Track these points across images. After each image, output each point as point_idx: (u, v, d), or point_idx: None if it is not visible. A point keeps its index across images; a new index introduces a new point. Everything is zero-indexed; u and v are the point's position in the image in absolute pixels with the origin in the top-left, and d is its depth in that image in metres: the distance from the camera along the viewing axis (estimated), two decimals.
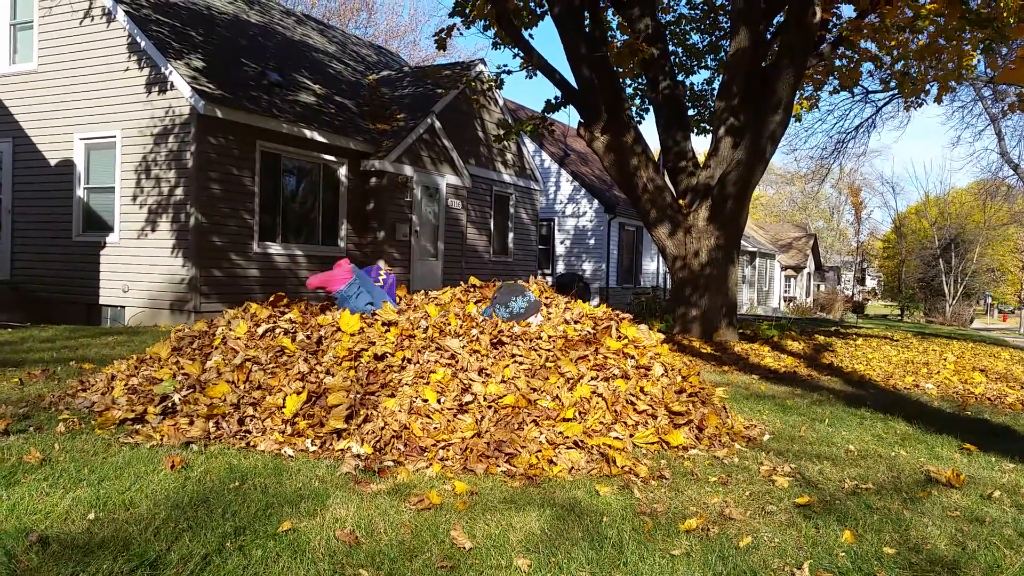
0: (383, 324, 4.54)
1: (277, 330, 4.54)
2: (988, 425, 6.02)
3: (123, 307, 13.33)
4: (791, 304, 40.83)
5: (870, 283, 65.47)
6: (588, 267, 24.50)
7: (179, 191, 12.64)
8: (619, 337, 4.89)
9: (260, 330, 4.53)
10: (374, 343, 4.36)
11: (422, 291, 6.10)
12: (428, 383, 4.18)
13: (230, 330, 4.62)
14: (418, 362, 4.31)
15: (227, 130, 12.71)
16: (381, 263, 6.27)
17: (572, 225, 24.98)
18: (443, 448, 3.82)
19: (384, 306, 4.79)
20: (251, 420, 3.97)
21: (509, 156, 20.16)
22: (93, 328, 10.37)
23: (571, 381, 4.40)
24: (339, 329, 4.51)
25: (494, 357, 4.44)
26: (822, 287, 46.81)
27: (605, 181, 25.67)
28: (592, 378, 4.46)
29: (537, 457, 3.81)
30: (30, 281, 14.22)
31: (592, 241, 24.53)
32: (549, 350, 4.59)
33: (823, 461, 4.31)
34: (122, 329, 10.54)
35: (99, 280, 13.52)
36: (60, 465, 3.38)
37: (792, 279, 43.68)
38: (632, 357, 4.74)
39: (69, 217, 13.83)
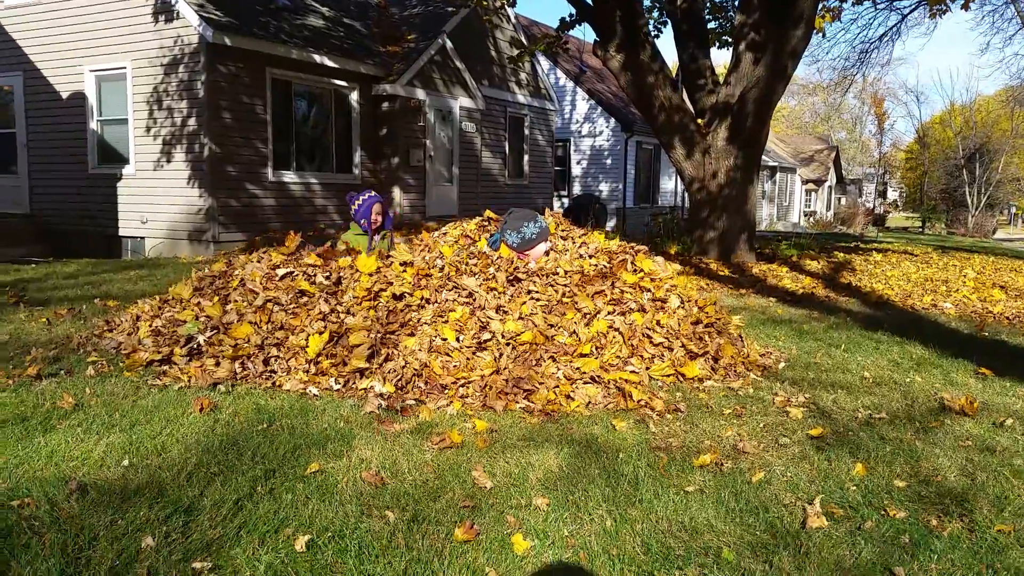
0: (400, 264, 4.58)
1: (296, 272, 4.60)
2: (1006, 347, 6.04)
3: (143, 238, 13.45)
4: (811, 219, 40.46)
5: (892, 195, 64.61)
6: (605, 188, 24.31)
7: (192, 121, 12.58)
8: (635, 270, 4.90)
9: (279, 272, 4.59)
10: (392, 283, 4.41)
11: (434, 226, 6.13)
12: (447, 322, 4.24)
13: (247, 272, 4.68)
14: (436, 301, 4.36)
15: (237, 58, 12.56)
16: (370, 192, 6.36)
17: (588, 145, 24.68)
18: (463, 386, 3.90)
19: (397, 247, 4.81)
20: (276, 360, 4.06)
21: (523, 76, 19.81)
22: (114, 261, 10.50)
23: (588, 316, 4.44)
24: (357, 270, 4.56)
25: (511, 294, 4.48)
26: (843, 201, 46.26)
27: (622, 99, 25.19)
28: (608, 313, 4.50)
29: (555, 393, 3.89)
30: (50, 214, 14.34)
31: (609, 161, 24.28)
32: (566, 285, 4.62)
33: (837, 390, 4.36)
34: (143, 262, 10.66)
35: (118, 212, 13.62)
36: (92, 410, 3.49)
37: (813, 193, 43.17)
38: (648, 290, 4.77)
39: (84, 150, 13.84)
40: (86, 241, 13.69)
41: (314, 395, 3.83)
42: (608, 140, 24.26)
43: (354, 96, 14.92)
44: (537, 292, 4.52)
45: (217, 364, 4.03)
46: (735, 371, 4.59)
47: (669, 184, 26.75)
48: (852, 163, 59.50)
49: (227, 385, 3.90)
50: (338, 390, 3.91)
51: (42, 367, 4.05)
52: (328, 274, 4.53)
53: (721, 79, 12.82)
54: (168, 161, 12.81)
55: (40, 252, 13.16)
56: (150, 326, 4.64)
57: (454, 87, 16.70)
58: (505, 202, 19.21)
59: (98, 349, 4.61)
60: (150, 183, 13.02)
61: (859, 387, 4.48)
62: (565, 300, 4.54)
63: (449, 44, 16.06)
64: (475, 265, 4.62)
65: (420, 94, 15.72)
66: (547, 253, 5.08)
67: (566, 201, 24.05)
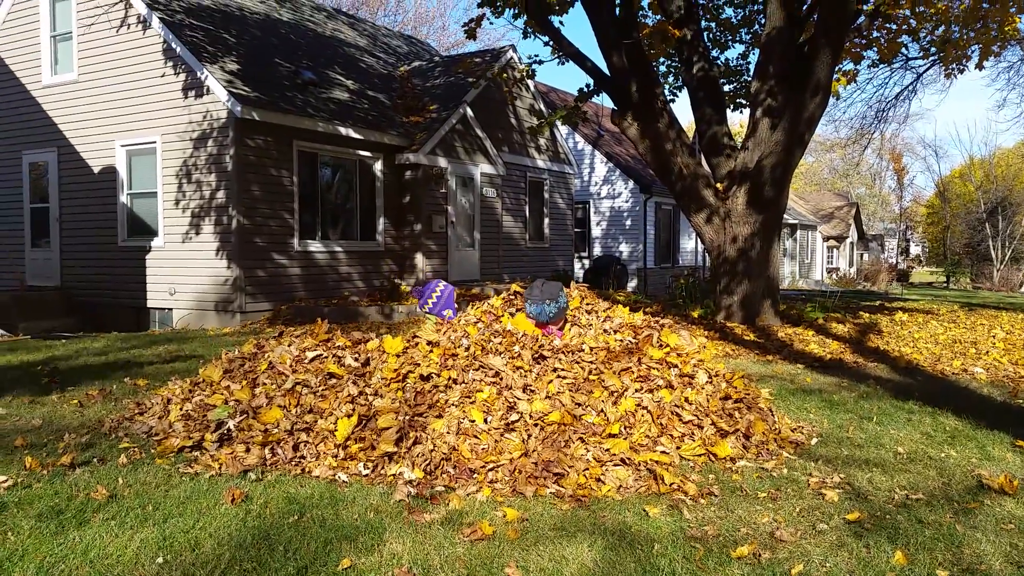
0: (427, 343, 4.61)
1: (325, 354, 4.64)
2: None
3: (170, 309, 13.62)
4: (834, 276, 40.28)
5: (914, 250, 64.26)
6: (625, 248, 24.40)
7: (220, 194, 12.84)
8: (661, 346, 4.90)
9: (309, 356, 4.63)
10: (419, 364, 4.43)
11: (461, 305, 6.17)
12: (473, 402, 4.25)
13: (276, 355, 4.73)
14: (463, 381, 4.37)
15: (264, 131, 12.88)
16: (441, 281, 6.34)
17: (608, 207, 24.87)
18: (492, 470, 3.88)
19: (423, 326, 4.85)
20: (305, 446, 4.07)
21: (542, 141, 20.10)
22: (143, 335, 10.62)
23: (615, 394, 4.43)
24: (384, 351, 4.59)
25: (537, 372, 4.49)
26: (865, 256, 46.07)
27: (640, 161, 25.47)
28: (636, 390, 4.48)
29: (585, 476, 3.86)
30: (79, 286, 14.59)
31: (628, 222, 24.42)
32: (591, 362, 4.63)
33: (872, 468, 4.30)
34: (171, 335, 10.78)
35: (146, 284, 13.84)
36: (126, 501, 3.51)
37: (835, 250, 43.05)
38: (675, 366, 4.76)
39: (114, 223, 14.15)
40: (115, 313, 13.89)
41: (343, 482, 3.83)
42: (627, 201, 24.45)
43: (378, 165, 15.20)
44: (563, 369, 4.52)
45: (247, 450, 4.04)
46: (767, 449, 4.54)
47: (689, 243, 26.81)
48: (873, 218, 59.43)
49: (257, 472, 3.91)
50: (367, 475, 3.91)
51: (75, 455, 4.08)
52: (356, 355, 4.56)
53: (739, 140, 12.95)
54: (197, 233, 13.05)
55: (70, 324, 13.36)
56: (180, 410, 4.67)
57: (475, 154, 16.97)
58: (526, 265, 19.32)
59: (129, 434, 4.65)
60: (178, 255, 13.25)
61: (894, 464, 4.41)
62: (592, 377, 4.54)
63: (470, 113, 16.38)
64: (500, 344, 4.64)
65: (442, 162, 15.98)
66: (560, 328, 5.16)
67: (587, 263, 24.15)
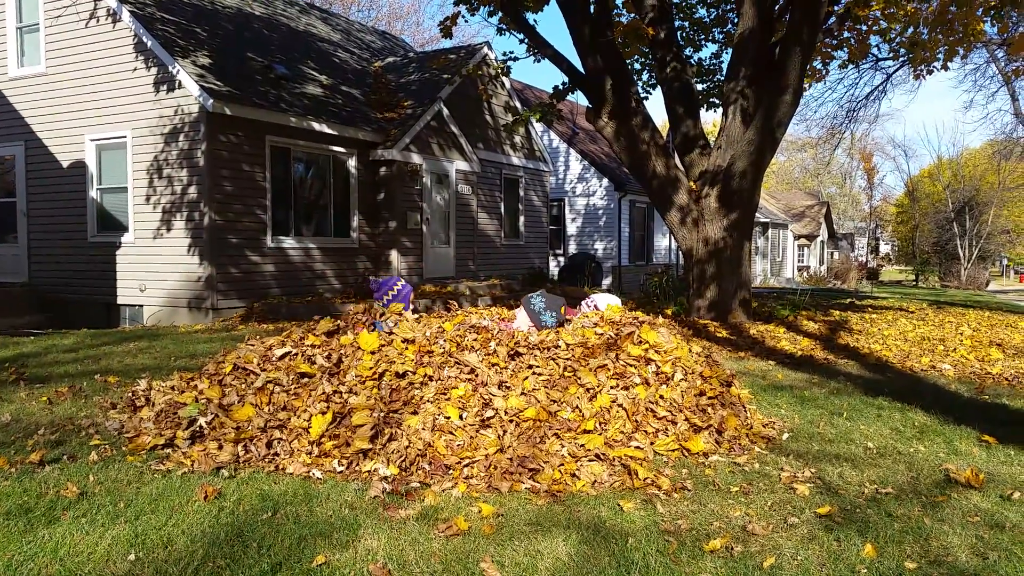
0: (402, 341, 4.60)
1: (295, 352, 4.61)
2: (1007, 412, 6.04)
3: (141, 306, 13.47)
4: (805, 274, 40.69)
5: (884, 248, 65.12)
6: (600, 246, 24.49)
7: (192, 190, 12.71)
8: (640, 342, 4.93)
9: (277, 353, 4.60)
10: (394, 361, 4.42)
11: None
12: (449, 399, 4.25)
13: (242, 354, 4.70)
14: (439, 378, 4.37)
15: (236, 127, 12.76)
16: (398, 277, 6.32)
17: (583, 204, 24.95)
18: (467, 466, 3.89)
19: (401, 324, 4.84)
20: (279, 443, 4.05)
21: (518, 139, 20.11)
22: (113, 332, 10.49)
23: (591, 391, 4.45)
24: (359, 348, 4.57)
25: (512, 369, 4.50)
26: (835, 255, 46.58)
27: (614, 159, 25.58)
28: (612, 387, 4.51)
29: (560, 472, 3.88)
30: (48, 283, 14.38)
31: (603, 220, 24.51)
32: (568, 359, 4.64)
33: (843, 463, 4.36)
34: (141, 331, 10.66)
35: (116, 280, 13.67)
36: (96, 499, 3.47)
37: (806, 248, 43.51)
38: (653, 362, 4.78)
39: (84, 218, 13.96)
40: (85, 310, 13.70)
41: (318, 479, 3.81)
42: (602, 199, 24.53)
43: (352, 162, 15.12)
44: (538, 367, 4.54)
45: (220, 448, 4.01)
46: (740, 444, 4.59)
47: (663, 242, 26.96)
48: (843, 217, 60.17)
49: (230, 469, 3.89)
50: (341, 472, 3.89)
51: (44, 452, 4.03)
52: (328, 354, 4.54)
53: (712, 138, 13.04)
54: (168, 229, 12.91)
55: (39, 321, 13.15)
56: (152, 408, 4.63)
57: (450, 151, 16.94)
58: (501, 262, 19.32)
59: (100, 431, 4.59)
60: (149, 251, 13.10)
61: (864, 459, 4.47)
62: (567, 374, 4.56)
63: (445, 110, 16.35)
64: (476, 341, 4.64)
65: (416, 159, 15.93)
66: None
67: (562, 260, 24.21)
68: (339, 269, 14.95)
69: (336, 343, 4.68)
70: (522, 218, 20.26)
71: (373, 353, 4.51)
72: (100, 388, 6.08)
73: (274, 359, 4.58)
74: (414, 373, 4.36)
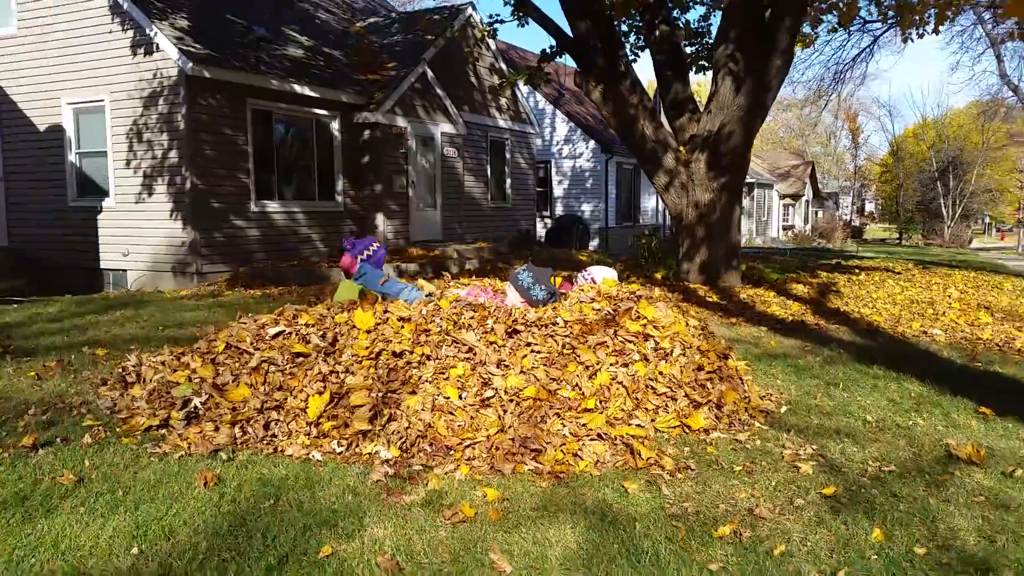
0: (398, 319, 4.53)
1: (290, 331, 4.53)
2: (1001, 379, 6.08)
3: (125, 271, 13.29)
4: (790, 233, 40.77)
5: (868, 207, 65.33)
6: (587, 208, 24.37)
7: (173, 154, 12.48)
8: (638, 318, 4.88)
9: (271, 331, 4.52)
10: (390, 340, 4.35)
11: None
12: (448, 378, 4.19)
13: (235, 333, 4.62)
14: (437, 357, 4.31)
15: (217, 90, 12.50)
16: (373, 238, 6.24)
17: (569, 167, 24.76)
18: (469, 447, 3.84)
19: (396, 301, 4.75)
20: (276, 424, 3.99)
21: (503, 101, 19.86)
22: (98, 299, 10.32)
23: (590, 368, 4.41)
24: (354, 326, 4.50)
25: (511, 346, 4.44)
26: (820, 214, 46.69)
27: (601, 120, 25.34)
28: (611, 364, 4.46)
29: (562, 452, 3.84)
30: (28, 247, 14.14)
31: (590, 182, 24.35)
32: (566, 335, 4.59)
33: (843, 438, 4.35)
34: (126, 298, 10.51)
35: (99, 245, 13.46)
36: (94, 486, 3.40)
37: (791, 207, 43.55)
38: (651, 338, 4.74)
39: (63, 182, 13.70)
40: (67, 274, 13.50)
41: (318, 461, 3.76)
42: (589, 161, 24.35)
43: (335, 125, 14.88)
44: (536, 344, 4.48)
45: (216, 429, 3.95)
46: (739, 419, 4.57)
47: (651, 202, 26.86)
48: (828, 176, 60.13)
49: (228, 451, 3.82)
50: (341, 453, 3.84)
51: (37, 435, 3.94)
52: (323, 333, 4.46)
53: (701, 101, 12.91)
54: (149, 194, 12.69)
55: (20, 286, 12.92)
56: (143, 386, 4.54)
57: (435, 113, 16.70)
58: (488, 225, 19.19)
59: (92, 410, 4.50)
60: (131, 216, 12.89)
61: (864, 434, 4.47)
62: (566, 351, 4.51)
63: (429, 72, 16.08)
64: (472, 319, 4.57)
65: (401, 121, 15.70)
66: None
67: (549, 222, 24.08)
68: (324, 233, 14.79)
69: (331, 321, 4.60)
70: (509, 181, 20.08)
71: (369, 332, 4.44)
72: (89, 362, 5.97)
73: (267, 338, 4.50)
74: (411, 352, 4.29)
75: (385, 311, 4.60)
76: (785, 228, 41.95)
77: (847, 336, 8.03)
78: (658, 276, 12.56)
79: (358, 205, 15.46)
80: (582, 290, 5.32)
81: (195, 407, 4.15)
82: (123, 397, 4.61)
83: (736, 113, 11.12)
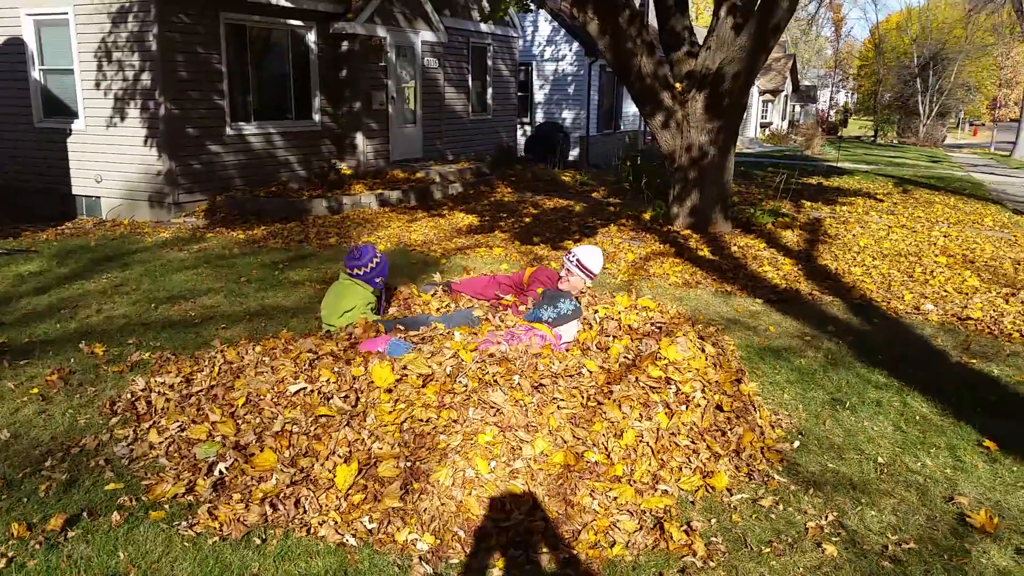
0: (417, 376, 4.44)
1: (310, 388, 4.44)
2: (998, 391, 6.21)
3: (98, 198, 12.91)
4: (767, 131, 40.39)
5: (843, 99, 64.71)
6: (568, 115, 23.81)
7: (145, 76, 11.91)
8: (658, 358, 4.85)
9: (291, 388, 4.43)
10: (413, 403, 4.29)
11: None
12: (475, 444, 4.16)
13: (254, 388, 4.52)
14: (463, 419, 4.26)
15: (188, 4, 11.83)
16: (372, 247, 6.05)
17: (551, 70, 24.00)
18: (500, 533, 3.86)
19: (415, 357, 4.64)
20: (307, 500, 3.96)
21: (485, 2, 18.97)
22: (78, 247, 10.01)
23: (615, 424, 4.41)
24: (371, 382, 4.42)
25: (537, 403, 4.41)
26: (798, 109, 46.20)
27: None
28: (636, 418, 4.47)
29: (594, 533, 3.88)
30: None
31: (572, 88, 23.70)
32: (591, 387, 4.57)
33: (859, 494, 4.45)
34: (106, 243, 10.23)
35: (69, 169, 12.98)
36: None
37: (769, 103, 43.00)
38: (673, 382, 4.73)
39: (27, 101, 13.06)
40: (36, 199, 13.06)
41: (352, 547, 3.76)
42: (572, 65, 23.60)
43: (311, 36, 14.21)
44: (562, 400, 4.45)
45: (246, 508, 3.91)
46: (758, 469, 4.64)
47: (632, 108, 26.30)
48: (807, 67, 59.14)
49: (260, 532, 3.81)
50: (372, 531, 3.84)
51: (64, 518, 3.86)
52: (345, 396, 4.38)
53: (700, 37, 12.48)
54: (122, 119, 12.16)
55: None
56: (160, 436, 4.47)
57: (415, 21, 15.96)
58: (469, 140, 18.72)
59: (110, 459, 4.43)
60: (103, 141, 12.38)
61: (876, 485, 4.58)
62: (591, 405, 4.49)
63: None
64: (498, 375, 4.50)
65: (381, 31, 15.01)
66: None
67: (528, 129, 23.52)
68: (303, 155, 14.36)
69: (349, 376, 4.50)
70: (490, 90, 19.46)
71: (389, 391, 4.36)
72: (90, 366, 5.87)
73: (288, 394, 4.41)
74: (437, 418, 4.24)
75: (403, 367, 4.50)
76: (763, 126, 41.54)
77: (841, 313, 8.13)
78: (646, 217, 12.48)
79: (336, 123, 14.96)
80: (608, 317, 5.26)
81: (220, 472, 4.10)
82: (139, 443, 4.54)
83: (738, 54, 10.77)
